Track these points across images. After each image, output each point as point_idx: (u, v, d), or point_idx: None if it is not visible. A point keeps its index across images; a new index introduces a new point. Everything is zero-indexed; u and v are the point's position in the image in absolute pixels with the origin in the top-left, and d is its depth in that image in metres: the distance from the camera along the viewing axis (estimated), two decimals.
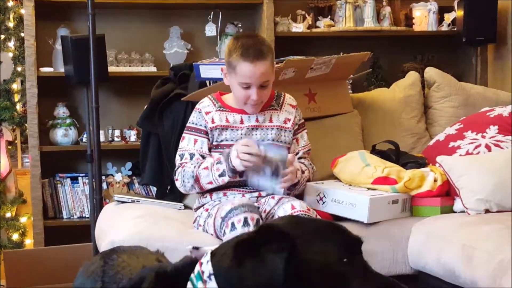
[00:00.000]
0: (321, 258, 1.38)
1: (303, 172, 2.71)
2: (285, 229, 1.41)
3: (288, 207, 2.48)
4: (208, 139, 2.70)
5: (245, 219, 2.36)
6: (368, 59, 3.51)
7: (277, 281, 1.35)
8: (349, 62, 3.31)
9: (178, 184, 2.71)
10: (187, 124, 2.75)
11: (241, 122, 2.71)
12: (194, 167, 2.63)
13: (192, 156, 2.69)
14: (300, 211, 2.46)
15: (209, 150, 2.70)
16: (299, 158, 2.78)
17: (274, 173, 2.53)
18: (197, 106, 2.76)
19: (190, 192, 2.75)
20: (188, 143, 2.71)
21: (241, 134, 2.69)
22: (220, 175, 2.58)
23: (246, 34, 2.79)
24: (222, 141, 2.69)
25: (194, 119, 2.73)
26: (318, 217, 2.52)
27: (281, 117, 2.75)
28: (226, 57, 2.63)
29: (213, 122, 2.69)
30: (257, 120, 2.71)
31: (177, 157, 2.73)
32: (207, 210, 2.66)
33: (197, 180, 2.62)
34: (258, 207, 2.57)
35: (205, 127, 2.70)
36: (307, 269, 1.37)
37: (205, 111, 2.71)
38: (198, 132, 2.70)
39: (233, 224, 2.37)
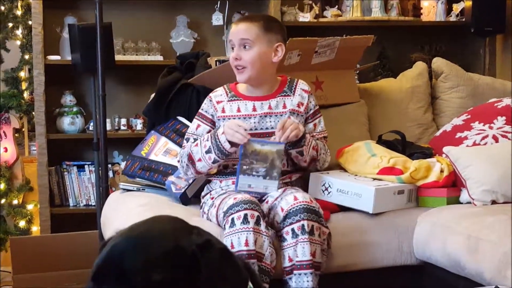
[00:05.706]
0: None
1: (317, 139, 2.70)
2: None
3: (290, 199, 2.46)
4: (211, 128, 2.69)
5: (245, 216, 2.35)
6: (375, 48, 3.49)
7: None
8: (354, 47, 3.29)
9: (179, 166, 2.73)
10: (199, 110, 2.76)
11: (254, 109, 2.68)
12: (190, 146, 2.65)
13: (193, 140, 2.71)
14: (303, 202, 2.43)
15: None
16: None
17: (269, 170, 2.52)
18: (210, 94, 2.76)
19: (189, 176, 2.73)
20: (192, 127, 2.73)
21: (254, 122, 2.66)
22: (207, 152, 2.57)
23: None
24: None
25: (204, 106, 2.74)
26: (320, 210, 2.50)
27: (295, 101, 2.71)
28: None
29: (223, 111, 2.69)
30: (269, 107, 2.68)
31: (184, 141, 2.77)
32: (212, 198, 2.66)
33: (190, 158, 2.63)
34: (262, 205, 2.54)
35: (212, 115, 2.70)
36: None
37: (216, 100, 2.70)
38: (204, 119, 2.71)
39: (232, 220, 2.37)
